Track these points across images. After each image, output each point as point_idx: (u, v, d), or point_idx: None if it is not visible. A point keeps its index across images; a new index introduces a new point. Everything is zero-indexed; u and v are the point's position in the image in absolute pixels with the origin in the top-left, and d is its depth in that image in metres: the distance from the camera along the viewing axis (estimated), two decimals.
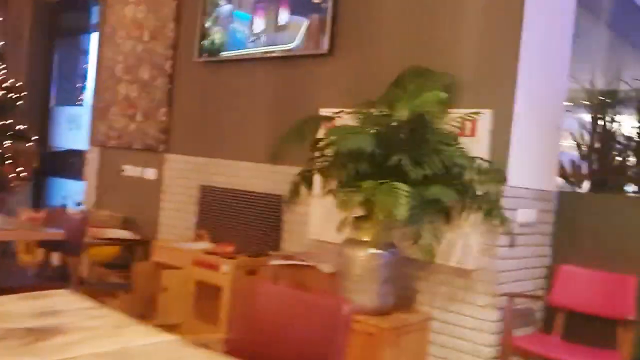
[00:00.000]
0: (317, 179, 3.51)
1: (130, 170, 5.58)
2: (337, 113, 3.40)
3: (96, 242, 4.93)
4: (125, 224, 5.45)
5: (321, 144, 3.24)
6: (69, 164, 7.23)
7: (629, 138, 3.70)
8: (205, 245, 4.54)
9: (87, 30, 7.49)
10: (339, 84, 4.02)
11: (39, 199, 7.52)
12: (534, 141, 3.43)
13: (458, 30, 3.48)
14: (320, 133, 3.41)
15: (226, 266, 3.99)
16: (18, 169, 6.50)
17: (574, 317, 3.47)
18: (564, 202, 3.65)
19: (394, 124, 3.13)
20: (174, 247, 4.39)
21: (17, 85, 6.60)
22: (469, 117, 3.16)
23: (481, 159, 3.12)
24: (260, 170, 4.44)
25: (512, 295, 3.25)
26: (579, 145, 3.86)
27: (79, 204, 6.24)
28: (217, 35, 4.74)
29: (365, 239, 3.19)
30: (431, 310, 3.47)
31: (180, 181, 5.09)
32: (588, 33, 7.05)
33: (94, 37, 6.80)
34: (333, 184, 3.14)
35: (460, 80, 3.42)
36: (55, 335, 1.61)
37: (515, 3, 3.26)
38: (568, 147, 4.20)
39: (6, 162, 6.39)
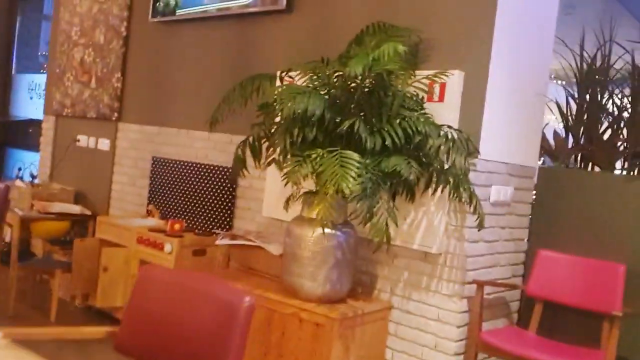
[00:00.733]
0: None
1: (84, 141, 5.15)
2: (285, 72, 2.97)
3: (42, 217, 4.54)
4: (78, 198, 5.04)
5: (267, 107, 2.82)
6: (28, 134, 6.79)
7: (620, 109, 3.29)
8: (154, 222, 4.14)
9: None
10: (298, 44, 3.59)
11: None
12: (512, 110, 3.02)
13: None
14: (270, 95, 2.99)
15: (170, 245, 3.59)
16: None
17: (553, 310, 3.09)
18: (545, 179, 3.25)
19: (352, 85, 2.71)
20: (119, 223, 3.99)
21: None
22: (436, 79, 2.74)
23: (449, 127, 2.71)
24: (215, 141, 4.03)
25: (481, 284, 2.86)
26: (564, 117, 3.45)
27: (33, 177, 5.82)
28: None
29: (319, 217, 2.78)
30: (391, 298, 3.08)
31: (133, 152, 4.67)
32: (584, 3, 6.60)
33: None
34: (278, 153, 2.73)
35: (429, 38, 3.00)
36: None
37: None
38: (553, 120, 3.79)
39: None
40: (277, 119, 2.81)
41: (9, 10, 7.19)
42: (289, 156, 2.64)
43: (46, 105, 5.66)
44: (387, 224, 2.55)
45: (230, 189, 3.86)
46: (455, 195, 2.70)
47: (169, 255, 3.59)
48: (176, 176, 4.24)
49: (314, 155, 2.55)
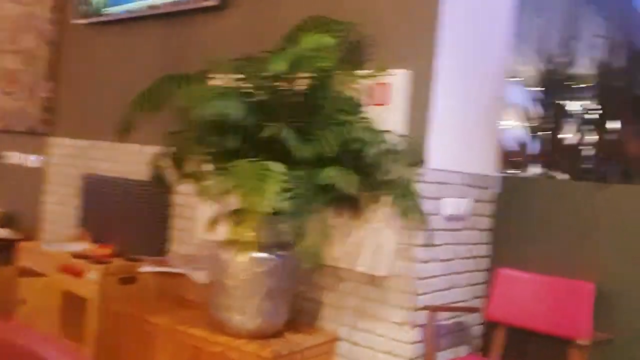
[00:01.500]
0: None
1: (12, 157, 4.72)
2: (205, 72, 2.60)
3: None
4: (6, 221, 4.60)
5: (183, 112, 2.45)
6: None
7: (585, 113, 3.01)
8: (85, 246, 3.73)
9: None
10: (233, 42, 3.23)
11: None
12: (467, 115, 2.70)
13: None
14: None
15: (92, 273, 3.19)
16: None
17: (519, 334, 2.76)
18: (508, 190, 2.93)
19: (279, 85, 2.36)
20: (41, 249, 3.57)
21: None
22: (376, 79, 2.40)
23: (390, 132, 2.37)
24: (148, 154, 3.64)
25: (434, 309, 2.52)
26: (527, 123, 3.15)
27: None
28: None
29: (246, 240, 2.42)
30: (338, 328, 2.72)
31: (65, 169, 4.26)
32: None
33: None
34: (194, 165, 2.37)
35: (373, 34, 2.67)
36: None
37: None
38: (517, 126, 3.49)
39: None
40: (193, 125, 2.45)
41: None
42: (205, 168, 2.27)
43: None
44: (317, 246, 2.20)
45: (165, 208, 3.48)
46: (401, 210, 2.36)
47: (93, 284, 3.19)
48: (108, 194, 3.84)
49: (234, 167, 2.19)
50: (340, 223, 2.62)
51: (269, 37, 3.05)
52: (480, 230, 2.89)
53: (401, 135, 2.42)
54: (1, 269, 3.65)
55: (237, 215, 2.45)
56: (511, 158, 3.18)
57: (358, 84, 2.47)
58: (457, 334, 2.83)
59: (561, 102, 3.08)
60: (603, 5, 5.66)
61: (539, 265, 2.79)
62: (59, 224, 4.27)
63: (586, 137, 2.96)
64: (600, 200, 2.66)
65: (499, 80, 2.90)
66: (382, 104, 2.52)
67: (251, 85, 2.39)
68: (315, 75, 2.31)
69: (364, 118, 2.41)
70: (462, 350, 2.86)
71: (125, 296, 3.29)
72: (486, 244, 2.94)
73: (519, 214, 2.89)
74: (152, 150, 3.58)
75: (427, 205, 2.50)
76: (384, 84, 2.51)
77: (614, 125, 2.97)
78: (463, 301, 2.83)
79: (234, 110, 2.16)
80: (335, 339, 2.70)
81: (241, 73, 2.42)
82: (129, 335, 2.87)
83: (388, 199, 2.43)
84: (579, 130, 3.00)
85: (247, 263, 2.39)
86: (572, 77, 3.11)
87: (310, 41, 2.08)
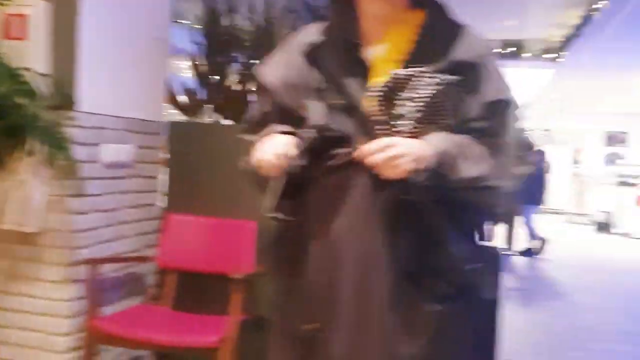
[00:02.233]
0: None
1: None
2: None
3: None
4: None
5: None
6: None
7: (249, 60, 3.11)
8: None
9: None
10: None
11: None
12: (124, 56, 2.56)
13: None
14: None
15: None
16: None
17: (190, 279, 2.78)
18: (177, 136, 2.90)
19: None
20: None
21: None
22: (6, 4, 2.11)
23: (28, 70, 2.12)
24: None
25: (96, 262, 2.38)
26: (195, 68, 3.14)
27: None
28: None
29: None
30: None
31: None
32: None
33: None
34: None
35: None
36: None
37: None
38: (185, 70, 3.47)
39: None
40: None
41: None
42: None
43: None
44: None
45: None
46: (48, 157, 2.14)
47: None
48: None
49: None
50: None
51: None
52: (149, 177, 2.81)
53: (43, 75, 2.17)
54: None
55: None
56: (181, 104, 3.16)
57: None
58: (129, 285, 2.74)
59: (226, 49, 3.13)
60: None
61: (210, 209, 2.82)
62: None
63: (250, 85, 3.08)
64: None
65: (161, 22, 2.81)
66: (20, 39, 2.23)
67: None
68: None
69: None
70: (136, 302, 2.79)
71: None
72: (157, 191, 2.88)
73: (189, 160, 2.88)
74: None
75: (82, 152, 2.32)
76: (21, 15, 2.22)
77: None
78: (135, 251, 2.74)
79: None
80: None
81: None
82: None
83: (34, 146, 2.18)
84: (243, 78, 3.10)
85: None
86: (236, 26, 3.18)
87: None
